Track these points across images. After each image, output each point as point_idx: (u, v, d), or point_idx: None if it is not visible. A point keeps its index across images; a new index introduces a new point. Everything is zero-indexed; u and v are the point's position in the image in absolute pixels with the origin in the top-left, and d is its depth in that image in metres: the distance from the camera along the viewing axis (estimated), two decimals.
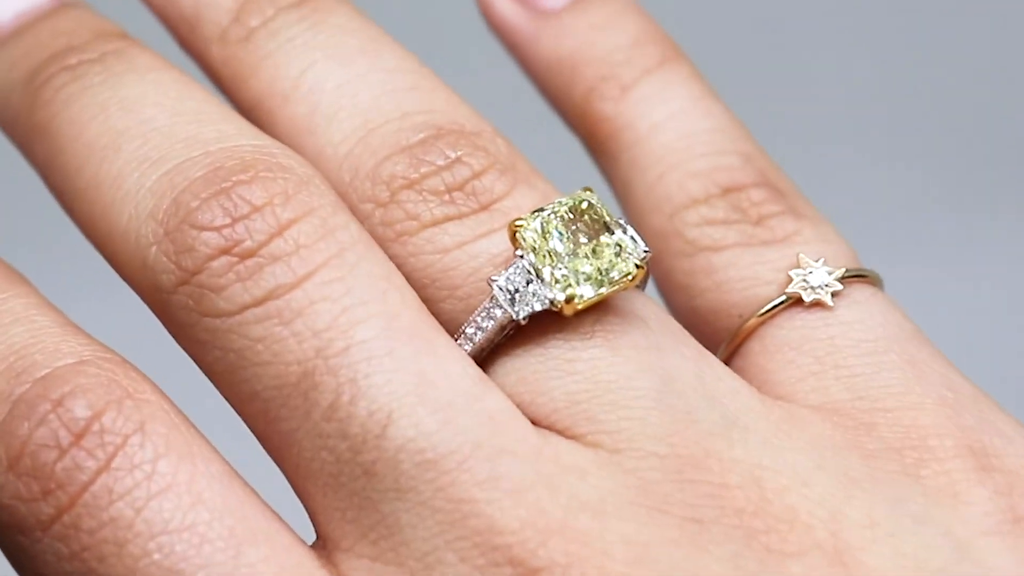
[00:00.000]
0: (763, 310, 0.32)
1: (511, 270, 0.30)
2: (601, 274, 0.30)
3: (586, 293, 0.29)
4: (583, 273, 0.29)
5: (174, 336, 0.30)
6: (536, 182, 0.32)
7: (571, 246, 0.30)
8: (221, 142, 0.31)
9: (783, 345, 0.32)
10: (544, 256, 0.30)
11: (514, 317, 0.29)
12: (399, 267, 0.31)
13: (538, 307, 0.29)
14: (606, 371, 0.29)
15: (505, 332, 0.30)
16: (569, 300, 0.29)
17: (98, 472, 0.28)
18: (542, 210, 0.30)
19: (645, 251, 0.30)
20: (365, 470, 0.28)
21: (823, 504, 0.29)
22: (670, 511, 0.28)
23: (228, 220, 0.29)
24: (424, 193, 0.31)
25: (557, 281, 0.29)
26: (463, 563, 0.27)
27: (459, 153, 0.31)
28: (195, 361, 0.30)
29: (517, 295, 0.29)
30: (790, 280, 0.32)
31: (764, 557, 0.28)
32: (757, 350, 0.32)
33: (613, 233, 0.30)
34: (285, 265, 0.29)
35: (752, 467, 0.29)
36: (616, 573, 0.27)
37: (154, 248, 0.29)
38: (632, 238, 0.30)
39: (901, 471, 0.29)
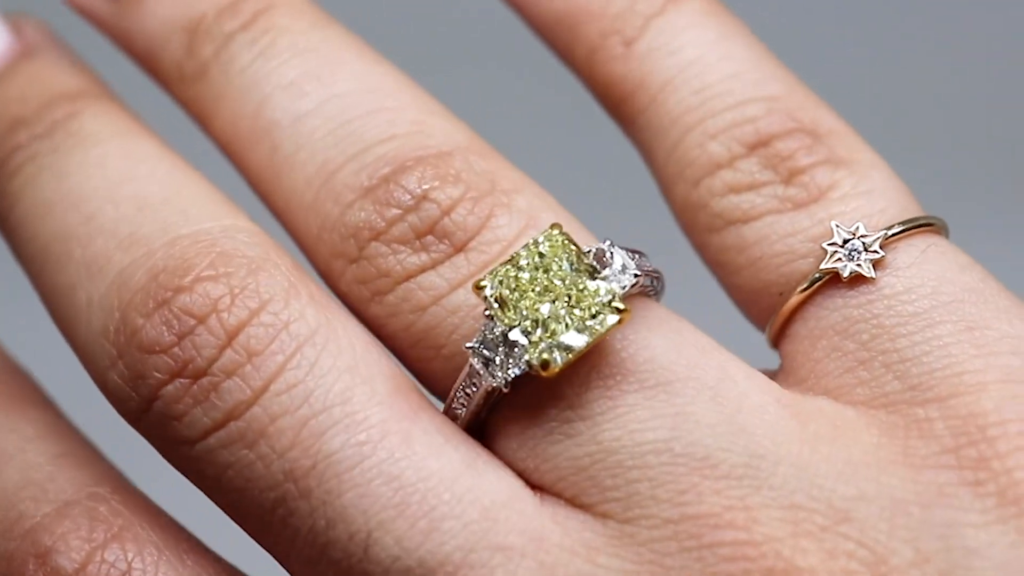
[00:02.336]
0: (801, 288, 0.28)
1: (484, 332, 0.27)
2: (581, 323, 0.26)
3: (562, 355, 0.26)
4: (557, 329, 0.26)
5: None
6: (517, 200, 0.28)
7: (541, 299, 0.26)
8: (164, 234, 0.28)
9: (827, 329, 0.28)
10: (514, 313, 0.26)
11: (495, 385, 0.27)
12: (380, 328, 0.28)
13: (516, 372, 0.26)
14: (609, 428, 0.26)
15: (495, 395, 0.27)
16: (545, 366, 0.26)
17: None
18: (511, 260, 0.27)
19: (624, 286, 0.27)
20: None
21: (865, 543, 0.25)
22: None
23: (173, 338, 0.27)
24: (393, 244, 0.28)
25: (531, 342, 0.26)
26: None
27: (425, 188, 0.28)
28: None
29: (496, 360, 0.27)
30: (826, 253, 0.28)
31: None
32: (803, 334, 0.28)
33: (590, 276, 0.27)
34: (239, 380, 0.27)
35: (783, 509, 0.26)
36: None
37: (112, 374, 0.28)
38: (613, 274, 0.27)
39: (957, 481, 0.26)
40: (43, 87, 0.32)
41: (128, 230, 0.28)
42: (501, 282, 0.27)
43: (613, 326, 0.26)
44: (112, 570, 0.27)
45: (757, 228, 0.29)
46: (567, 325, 0.26)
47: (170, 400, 0.27)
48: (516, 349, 0.26)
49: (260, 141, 0.30)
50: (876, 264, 0.28)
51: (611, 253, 0.27)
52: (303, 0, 0.31)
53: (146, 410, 0.27)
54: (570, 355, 0.26)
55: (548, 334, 0.26)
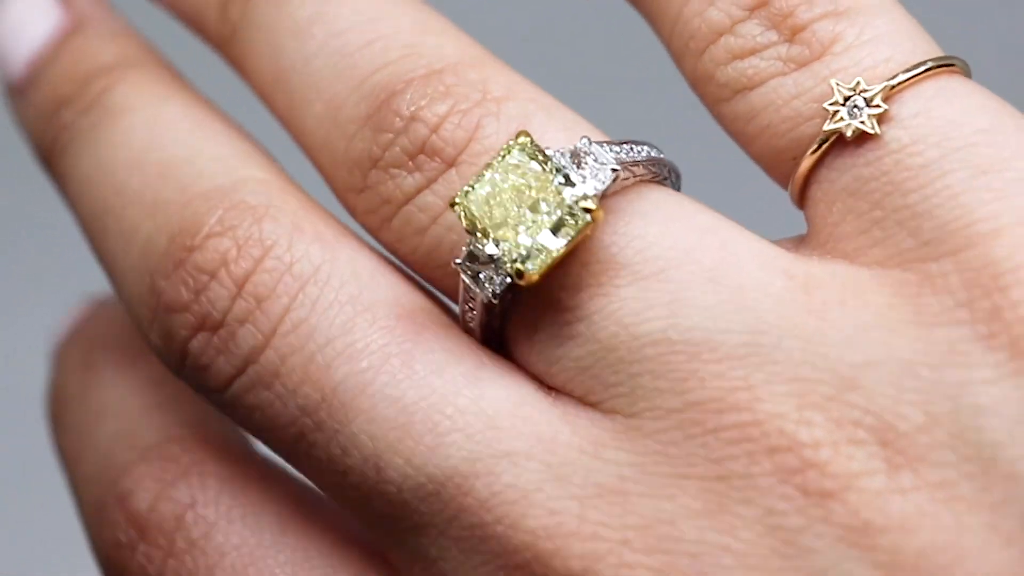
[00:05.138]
0: (811, 152, 0.27)
1: (469, 248, 0.27)
2: (553, 229, 0.26)
3: (536, 263, 0.26)
4: (528, 238, 0.26)
5: None
6: (508, 107, 0.28)
7: (511, 210, 0.26)
8: (181, 195, 0.29)
9: (840, 192, 0.27)
10: (488, 227, 0.26)
11: (487, 299, 0.27)
12: (395, 254, 0.29)
13: (500, 285, 0.26)
14: (605, 324, 0.26)
15: (500, 306, 0.27)
16: (520, 275, 0.26)
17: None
18: (481, 173, 0.27)
19: (603, 183, 0.26)
20: (382, 514, 0.27)
21: (871, 409, 0.24)
22: (692, 474, 0.25)
23: (191, 295, 0.28)
24: (390, 169, 0.28)
25: (505, 254, 0.26)
26: None
27: (414, 108, 0.28)
28: None
29: (482, 274, 0.27)
30: (828, 114, 0.27)
31: (802, 505, 0.24)
32: (819, 198, 0.27)
33: (564, 180, 0.26)
34: (251, 326, 0.28)
35: (787, 383, 0.25)
36: (636, 565, 0.25)
37: (152, 335, 0.29)
38: (590, 173, 0.26)
39: (970, 336, 0.25)
40: (85, 63, 0.33)
41: (152, 196, 0.30)
42: (472, 198, 0.26)
43: (585, 227, 0.26)
44: (178, 505, 0.29)
45: (763, 94, 0.28)
46: (538, 232, 0.26)
47: (197, 354, 0.28)
48: (496, 262, 0.26)
49: (279, 89, 0.30)
50: (880, 119, 0.26)
51: (588, 151, 0.26)
52: None
53: (182, 365, 0.29)
54: (543, 262, 0.26)
55: (520, 244, 0.26)
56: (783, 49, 0.28)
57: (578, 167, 0.26)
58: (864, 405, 0.24)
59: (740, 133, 0.28)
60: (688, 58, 0.29)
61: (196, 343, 0.28)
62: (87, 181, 0.31)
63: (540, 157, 0.26)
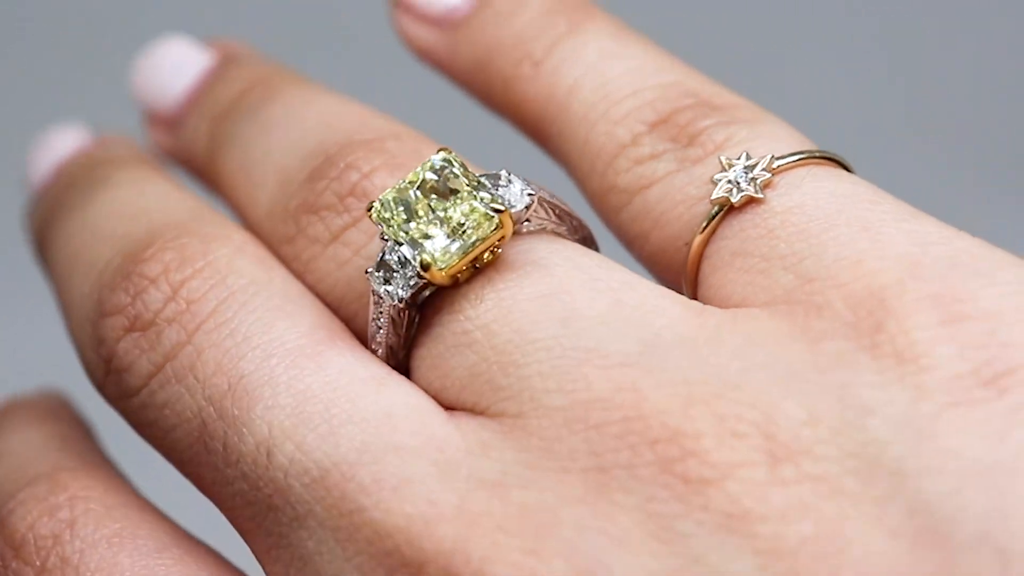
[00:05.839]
0: (700, 229, 0.30)
1: (382, 255, 0.29)
2: (462, 229, 0.28)
3: (444, 256, 0.28)
4: (439, 236, 0.28)
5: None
6: None
7: (428, 214, 0.29)
8: (146, 228, 0.31)
9: (728, 255, 0.29)
10: (402, 229, 0.29)
11: (392, 302, 0.29)
12: (316, 296, 0.31)
13: (404, 290, 0.28)
14: (502, 332, 0.28)
15: (406, 322, 0.29)
16: (427, 267, 0.28)
17: None
18: (403, 181, 0.29)
19: (517, 204, 0.29)
20: (268, 506, 0.28)
21: (756, 405, 0.26)
22: (575, 467, 0.26)
23: (129, 299, 0.30)
24: (321, 212, 0.31)
25: (414, 253, 0.28)
26: None
27: (351, 158, 0.31)
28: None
29: (392, 280, 0.29)
30: (716, 187, 0.30)
31: (682, 491, 0.25)
32: (708, 271, 0.29)
33: (469, 191, 0.29)
34: (178, 324, 0.29)
35: (674, 385, 0.26)
36: (511, 547, 0.25)
37: (87, 353, 0.31)
38: (506, 194, 0.29)
39: (855, 348, 0.26)
40: (95, 156, 0.36)
41: (122, 232, 0.32)
42: (387, 199, 0.29)
43: (493, 232, 0.28)
44: (58, 524, 0.29)
45: (659, 189, 0.30)
46: (450, 232, 0.28)
47: (122, 355, 0.30)
48: (404, 265, 0.28)
49: (241, 179, 0.33)
50: (764, 185, 0.29)
51: (509, 179, 0.29)
52: (296, 77, 0.36)
53: (107, 372, 0.30)
54: (450, 259, 0.28)
55: (431, 241, 0.28)
56: (680, 152, 0.31)
57: (496, 189, 0.29)
58: (749, 401, 0.26)
59: (636, 235, 0.31)
60: (593, 177, 0.31)
61: (124, 344, 0.30)
62: (70, 236, 0.33)
63: (460, 167, 0.29)
